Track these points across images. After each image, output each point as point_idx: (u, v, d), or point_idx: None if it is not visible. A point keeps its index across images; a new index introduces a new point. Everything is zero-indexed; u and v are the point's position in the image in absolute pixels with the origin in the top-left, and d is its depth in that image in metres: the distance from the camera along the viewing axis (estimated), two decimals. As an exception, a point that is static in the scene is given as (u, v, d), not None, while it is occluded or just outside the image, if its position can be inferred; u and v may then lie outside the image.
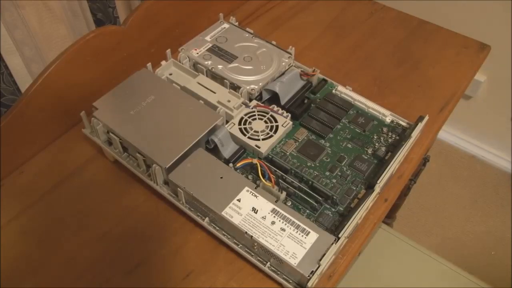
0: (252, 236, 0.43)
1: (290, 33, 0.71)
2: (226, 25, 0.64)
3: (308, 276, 0.41)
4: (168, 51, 0.60)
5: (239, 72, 0.58)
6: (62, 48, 0.55)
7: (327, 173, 0.51)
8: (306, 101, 0.58)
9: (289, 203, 0.48)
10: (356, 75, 0.64)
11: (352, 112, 0.57)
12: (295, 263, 0.42)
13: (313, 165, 0.52)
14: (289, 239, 0.43)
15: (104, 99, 0.54)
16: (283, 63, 0.59)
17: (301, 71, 0.59)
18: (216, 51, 0.60)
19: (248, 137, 0.52)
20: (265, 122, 0.54)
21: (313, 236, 0.44)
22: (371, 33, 0.70)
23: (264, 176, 0.48)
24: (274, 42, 0.61)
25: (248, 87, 0.56)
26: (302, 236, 0.44)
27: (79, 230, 0.49)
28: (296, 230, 0.44)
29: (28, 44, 0.66)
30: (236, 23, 0.65)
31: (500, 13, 1.02)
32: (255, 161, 0.49)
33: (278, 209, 0.45)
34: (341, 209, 0.48)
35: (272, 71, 0.58)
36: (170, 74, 0.58)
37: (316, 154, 0.52)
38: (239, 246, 0.46)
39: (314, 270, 0.42)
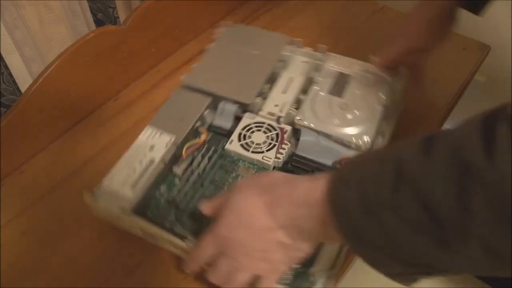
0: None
1: (290, 33, 0.70)
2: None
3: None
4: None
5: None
6: (62, 48, 0.55)
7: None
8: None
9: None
10: (356, 75, 0.64)
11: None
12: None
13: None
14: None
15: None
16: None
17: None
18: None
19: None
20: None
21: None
22: (371, 33, 0.70)
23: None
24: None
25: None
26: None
27: (79, 230, 0.49)
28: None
29: (28, 44, 0.66)
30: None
31: (500, 13, 1.02)
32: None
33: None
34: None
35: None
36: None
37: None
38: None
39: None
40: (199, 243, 0.41)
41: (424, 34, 0.49)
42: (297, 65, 0.58)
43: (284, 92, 0.54)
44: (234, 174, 0.50)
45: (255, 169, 0.50)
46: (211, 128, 0.54)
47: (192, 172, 0.50)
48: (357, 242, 0.31)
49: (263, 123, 0.52)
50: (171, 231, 0.45)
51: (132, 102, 0.62)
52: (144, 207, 0.47)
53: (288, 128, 0.51)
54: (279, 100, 0.53)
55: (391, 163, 0.30)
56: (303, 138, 0.50)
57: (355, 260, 0.46)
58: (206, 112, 0.53)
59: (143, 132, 0.51)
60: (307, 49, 0.58)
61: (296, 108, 0.52)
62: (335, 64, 0.55)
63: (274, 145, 0.50)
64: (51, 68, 0.53)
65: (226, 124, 0.53)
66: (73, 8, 0.70)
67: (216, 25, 0.64)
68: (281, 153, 0.49)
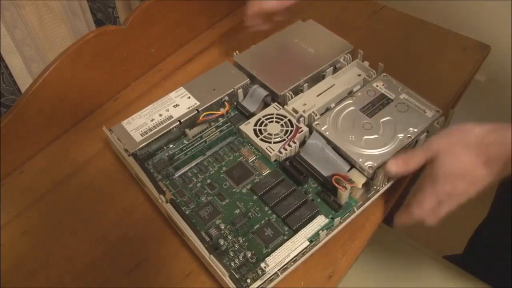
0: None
1: (290, 33, 0.71)
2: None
3: None
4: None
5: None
6: (62, 48, 0.55)
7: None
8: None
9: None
10: (356, 75, 0.64)
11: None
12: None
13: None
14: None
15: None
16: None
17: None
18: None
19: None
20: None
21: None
22: (371, 33, 0.70)
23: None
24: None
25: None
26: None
27: (79, 230, 0.49)
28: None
29: (28, 44, 0.66)
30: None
31: (500, 13, 1.02)
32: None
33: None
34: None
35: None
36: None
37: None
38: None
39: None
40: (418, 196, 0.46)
41: None
42: (348, 75, 0.57)
43: (319, 95, 0.54)
44: (237, 154, 0.51)
45: (257, 155, 0.51)
46: (237, 106, 0.56)
47: (201, 138, 0.52)
48: None
49: (285, 117, 0.53)
50: (156, 183, 0.47)
51: (132, 102, 0.62)
52: (149, 156, 0.52)
53: (305, 129, 0.51)
54: (309, 101, 0.54)
55: None
56: (310, 140, 0.50)
57: (355, 260, 0.46)
58: (239, 90, 0.56)
59: (175, 91, 0.56)
60: (365, 63, 0.58)
61: (321, 114, 0.52)
62: (383, 84, 0.55)
63: (284, 140, 0.51)
64: (51, 68, 0.53)
65: (252, 107, 0.55)
66: (73, 8, 0.70)
67: (216, 25, 0.64)
68: (286, 149, 0.49)
